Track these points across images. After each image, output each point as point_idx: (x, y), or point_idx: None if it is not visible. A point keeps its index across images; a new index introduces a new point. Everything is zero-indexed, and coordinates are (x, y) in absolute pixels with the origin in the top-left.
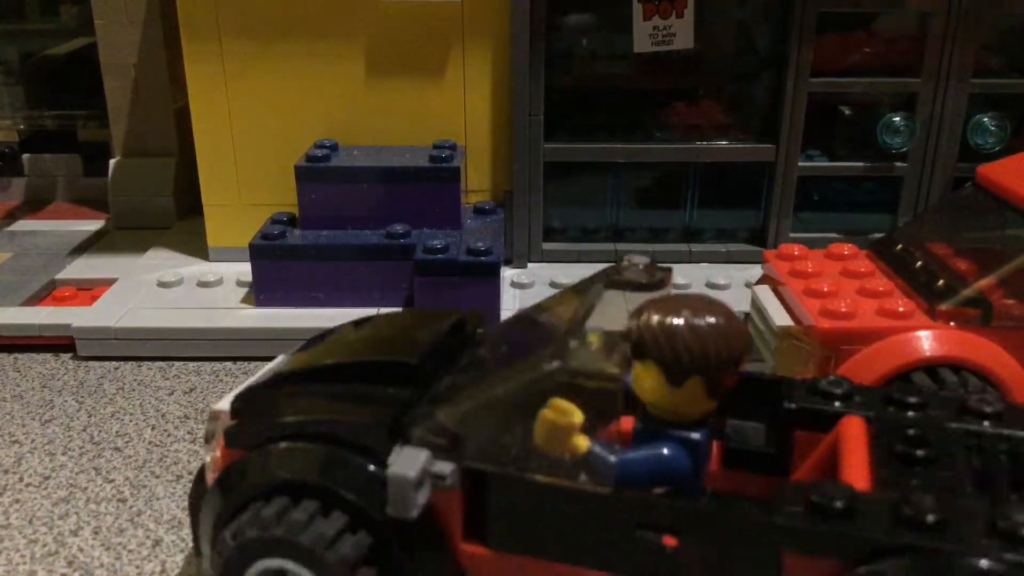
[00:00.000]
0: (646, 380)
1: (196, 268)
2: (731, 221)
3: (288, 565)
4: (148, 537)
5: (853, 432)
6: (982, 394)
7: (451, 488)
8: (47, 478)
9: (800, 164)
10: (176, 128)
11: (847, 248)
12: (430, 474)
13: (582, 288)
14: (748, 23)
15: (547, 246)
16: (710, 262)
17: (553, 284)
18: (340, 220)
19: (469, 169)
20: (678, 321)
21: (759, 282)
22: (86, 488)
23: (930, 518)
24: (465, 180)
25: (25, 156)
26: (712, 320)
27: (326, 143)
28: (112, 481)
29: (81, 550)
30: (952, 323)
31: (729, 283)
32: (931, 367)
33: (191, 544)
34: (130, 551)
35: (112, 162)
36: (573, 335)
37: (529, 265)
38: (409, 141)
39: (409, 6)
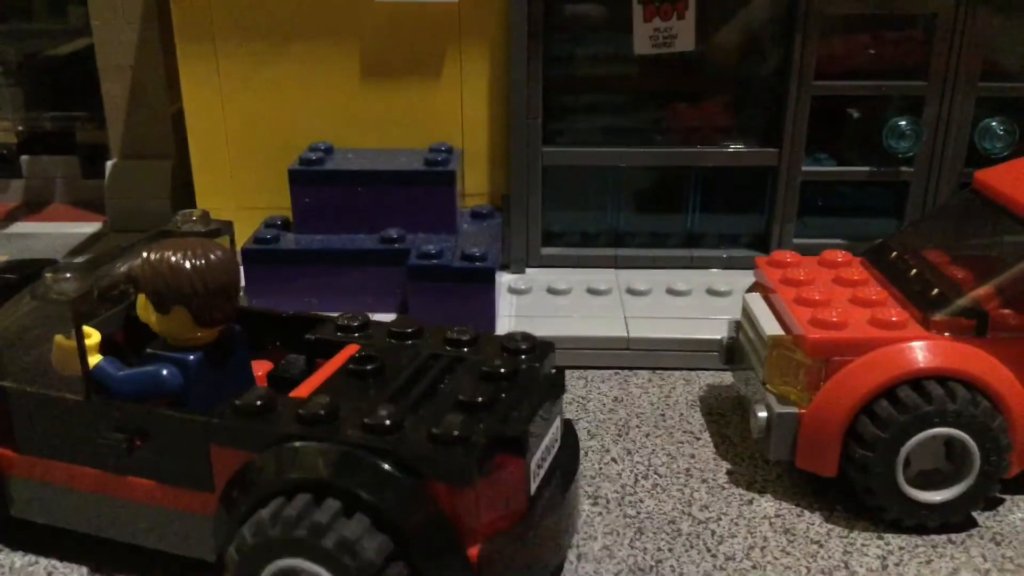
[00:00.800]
0: (144, 310)
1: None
2: (733, 226)
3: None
4: None
5: (340, 356)
6: (463, 327)
7: None
8: None
9: (804, 168)
10: (173, 130)
11: (841, 255)
12: None
13: (137, 241)
14: (750, 25)
15: (546, 251)
16: (712, 268)
17: (551, 290)
18: (334, 224)
19: (466, 173)
20: (162, 258)
21: (751, 289)
22: None
23: (321, 413)
24: (462, 184)
25: (23, 158)
26: (194, 258)
27: (321, 146)
28: None
29: None
30: (947, 334)
31: (731, 289)
32: (924, 380)
33: None
34: None
35: (109, 164)
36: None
37: (527, 270)
38: (405, 144)
39: (405, 7)
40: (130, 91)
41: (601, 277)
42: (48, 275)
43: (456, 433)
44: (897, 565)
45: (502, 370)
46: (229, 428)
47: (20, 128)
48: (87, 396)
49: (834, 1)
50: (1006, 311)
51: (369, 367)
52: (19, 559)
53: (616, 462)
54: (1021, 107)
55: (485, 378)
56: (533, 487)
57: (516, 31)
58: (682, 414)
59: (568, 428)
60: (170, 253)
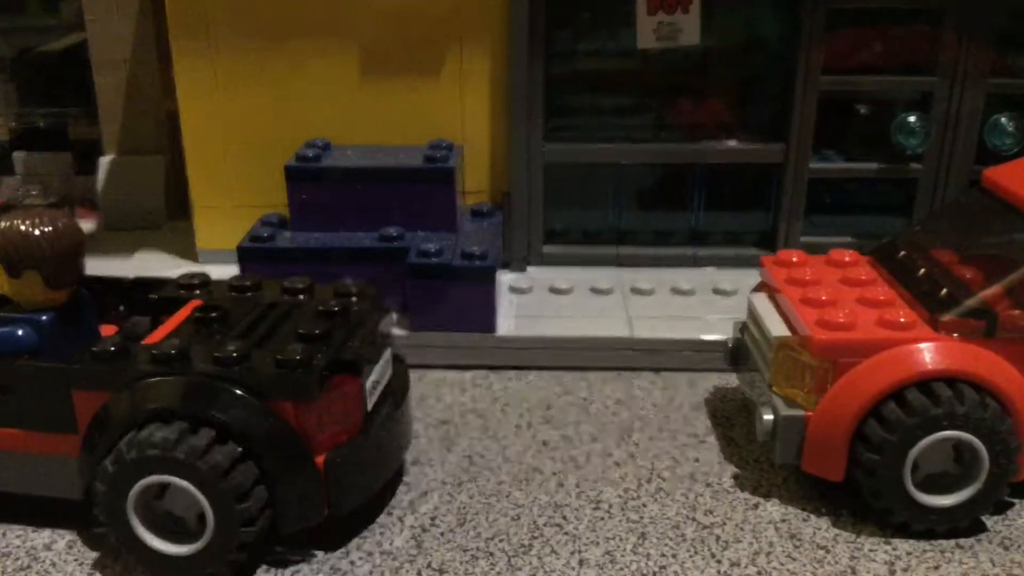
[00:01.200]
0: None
1: (184, 271)
2: (739, 224)
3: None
4: None
5: (185, 310)
6: (299, 277)
7: None
8: None
9: (811, 165)
10: (168, 127)
11: (848, 255)
12: None
13: None
14: (756, 18)
15: (547, 249)
16: (717, 266)
17: (553, 289)
18: (332, 222)
19: (466, 170)
20: (11, 226)
21: (756, 289)
22: None
23: (172, 352)
24: (462, 181)
25: (16, 154)
26: (43, 225)
27: (318, 143)
28: None
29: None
30: (955, 335)
31: (736, 289)
32: (933, 382)
33: None
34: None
35: (102, 160)
36: None
37: (528, 269)
38: (404, 141)
39: (404, 2)
40: (124, 87)
41: (604, 276)
42: None
43: (298, 358)
44: (905, 571)
45: (335, 309)
46: (90, 372)
47: (13, 124)
48: None
49: None
50: (1015, 312)
51: (213, 315)
52: None
53: (619, 466)
54: None
55: (321, 316)
56: (369, 405)
57: (517, 26)
58: (686, 416)
59: (398, 360)
60: (19, 222)
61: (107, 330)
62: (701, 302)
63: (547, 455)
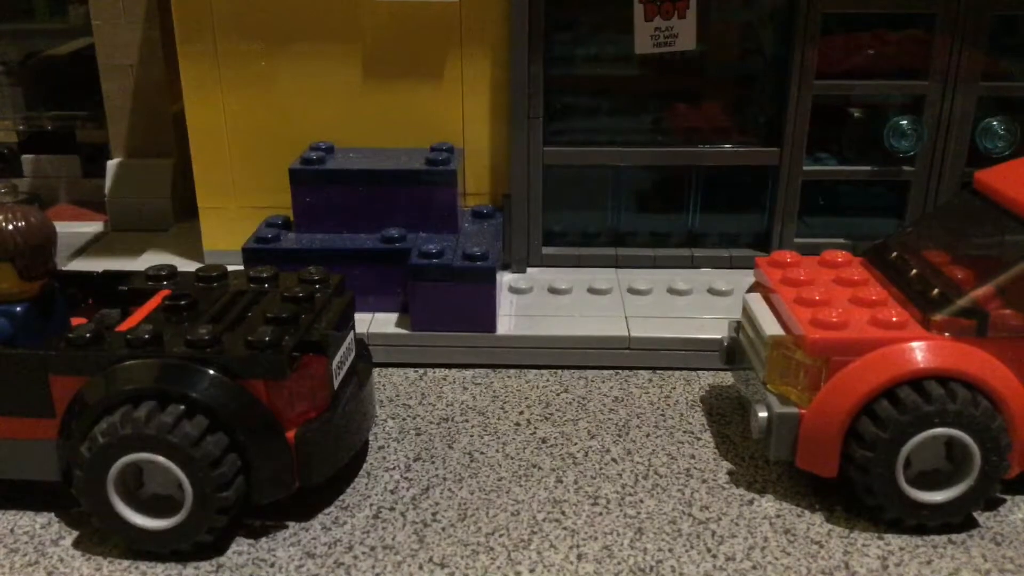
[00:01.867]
0: None
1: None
2: (734, 226)
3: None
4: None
5: (154, 300)
6: (263, 266)
7: None
8: None
9: (805, 168)
10: (174, 130)
11: (841, 255)
12: None
13: None
14: (752, 24)
15: (547, 250)
16: (713, 267)
17: (552, 289)
18: (335, 223)
19: (467, 172)
20: None
21: (751, 290)
22: None
23: (146, 337)
24: (463, 183)
25: (24, 157)
26: (15, 220)
27: (321, 145)
28: None
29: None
30: (947, 334)
31: (731, 289)
32: (924, 380)
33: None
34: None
35: (110, 163)
36: None
37: (528, 270)
38: (406, 144)
39: (406, 6)
40: (131, 90)
41: (602, 276)
42: None
43: (267, 339)
44: (898, 565)
45: (300, 295)
46: (66, 358)
47: (21, 128)
48: None
49: (835, 0)
50: (1006, 311)
51: (183, 303)
52: None
53: (616, 462)
54: (1022, 107)
55: (287, 301)
56: (336, 383)
57: (517, 30)
58: (682, 414)
59: (361, 344)
60: None
61: (77, 322)
62: (697, 302)
63: (546, 452)
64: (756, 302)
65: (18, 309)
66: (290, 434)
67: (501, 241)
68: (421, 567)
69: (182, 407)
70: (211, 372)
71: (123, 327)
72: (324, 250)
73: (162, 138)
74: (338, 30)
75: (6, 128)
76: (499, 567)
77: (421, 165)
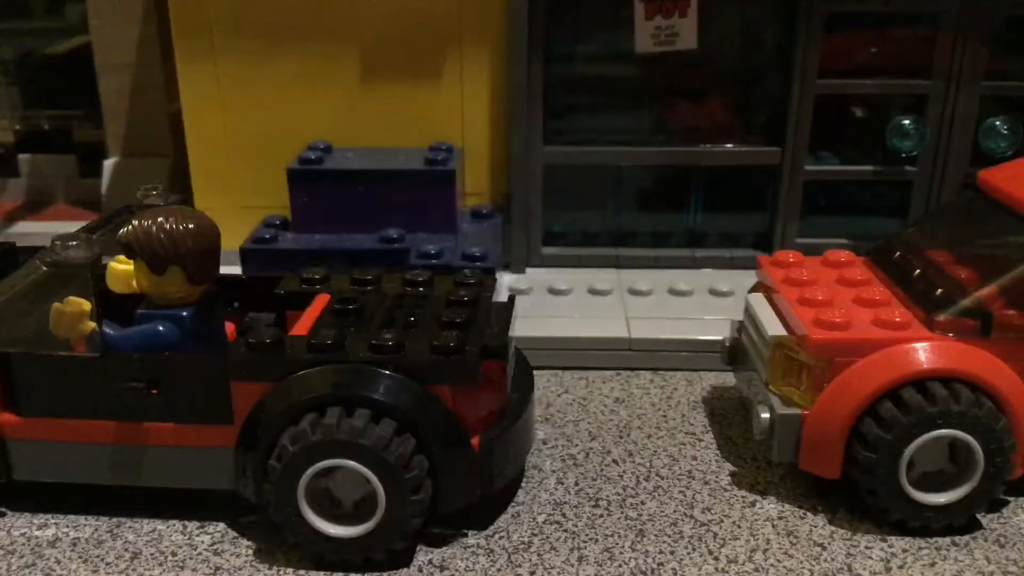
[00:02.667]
0: (139, 273)
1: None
2: (736, 226)
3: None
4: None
5: (318, 303)
6: (417, 271)
7: None
8: None
9: (807, 168)
10: (171, 129)
11: (844, 255)
12: None
13: (111, 216)
14: (753, 23)
15: (547, 251)
16: (714, 267)
17: (552, 290)
18: (333, 224)
19: (466, 172)
20: (155, 223)
21: (753, 289)
22: None
23: (329, 342)
24: (462, 183)
25: (21, 157)
26: (184, 222)
27: (319, 145)
28: None
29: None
30: (951, 334)
31: (733, 289)
32: (928, 381)
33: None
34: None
35: (107, 163)
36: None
37: (528, 270)
38: (405, 143)
39: (405, 5)
40: (128, 89)
41: (602, 277)
42: (56, 243)
43: (453, 344)
44: (901, 568)
45: (465, 298)
46: (249, 363)
47: (17, 127)
48: (103, 353)
49: None
50: (1010, 311)
51: (351, 307)
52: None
53: (617, 463)
54: None
55: (453, 305)
56: (508, 389)
57: (516, 29)
58: (684, 415)
59: (519, 352)
60: (162, 219)
61: (227, 326)
62: (699, 303)
63: (546, 453)
64: (758, 302)
65: (184, 314)
66: (474, 441)
67: (500, 241)
68: (421, 569)
69: (369, 412)
70: (399, 377)
71: (295, 331)
72: (322, 250)
73: (159, 137)
74: (336, 28)
75: (2, 127)
76: (499, 569)
77: (420, 165)
